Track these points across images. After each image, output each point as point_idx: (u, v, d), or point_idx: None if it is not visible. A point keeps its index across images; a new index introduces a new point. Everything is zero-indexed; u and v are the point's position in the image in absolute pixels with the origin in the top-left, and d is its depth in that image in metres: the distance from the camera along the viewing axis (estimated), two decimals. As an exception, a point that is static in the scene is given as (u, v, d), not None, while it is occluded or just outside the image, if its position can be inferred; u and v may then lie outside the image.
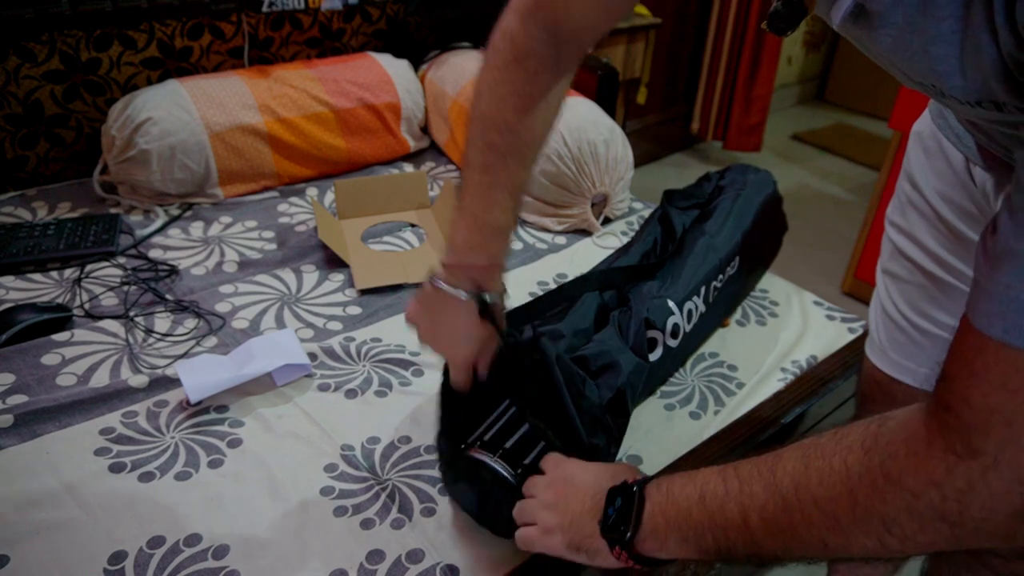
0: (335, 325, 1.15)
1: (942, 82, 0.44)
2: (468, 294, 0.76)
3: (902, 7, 0.43)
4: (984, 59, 0.40)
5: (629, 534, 0.60)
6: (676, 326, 1.00)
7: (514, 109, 0.72)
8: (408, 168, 1.69)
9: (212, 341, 1.10)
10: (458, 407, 0.83)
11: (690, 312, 1.03)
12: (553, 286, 1.26)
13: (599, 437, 0.82)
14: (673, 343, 1.00)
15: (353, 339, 1.11)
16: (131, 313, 1.14)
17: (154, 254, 1.30)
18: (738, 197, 1.18)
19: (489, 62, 0.73)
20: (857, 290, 2.06)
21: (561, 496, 0.68)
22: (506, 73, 0.72)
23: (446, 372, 0.84)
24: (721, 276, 1.09)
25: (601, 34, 0.74)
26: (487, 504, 0.77)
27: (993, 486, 0.43)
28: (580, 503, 0.67)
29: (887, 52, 0.47)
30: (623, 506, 0.62)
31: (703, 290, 1.06)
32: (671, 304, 1.00)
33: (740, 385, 1.07)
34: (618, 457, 0.93)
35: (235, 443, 0.92)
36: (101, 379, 1.00)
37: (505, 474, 0.76)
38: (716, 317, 1.14)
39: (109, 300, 1.17)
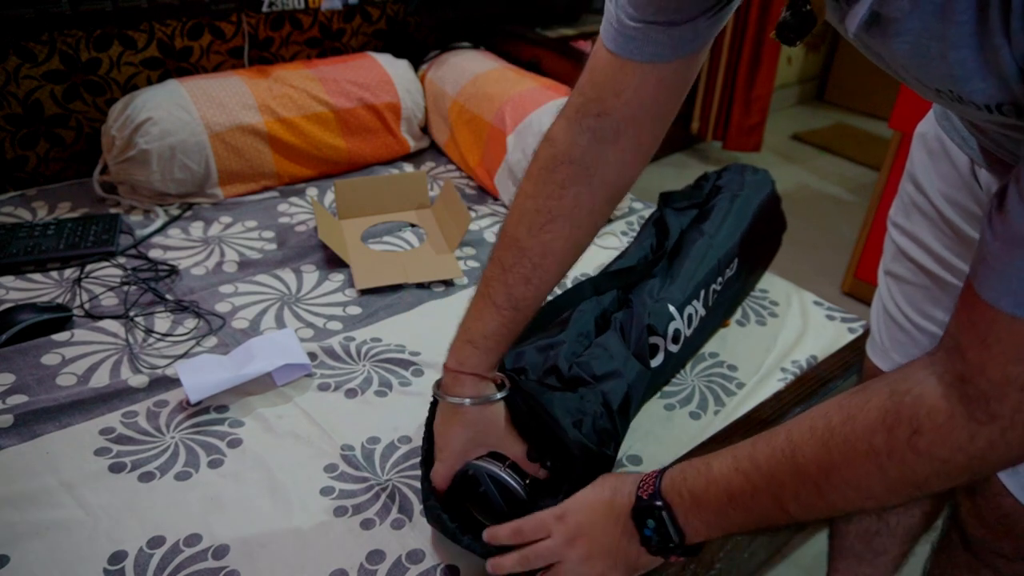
0: (335, 325, 1.15)
1: (960, 87, 0.44)
2: (437, 394, 0.77)
3: (919, 13, 0.43)
4: (1002, 61, 0.40)
5: (676, 543, 0.63)
6: (677, 331, 1.00)
7: (529, 226, 0.71)
8: (408, 168, 1.69)
9: (212, 341, 1.10)
10: None
11: (690, 316, 1.03)
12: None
13: (608, 447, 0.82)
14: (674, 348, 1.00)
15: (353, 339, 1.11)
16: (131, 313, 1.14)
17: (154, 254, 1.30)
18: (736, 197, 1.18)
19: (528, 171, 0.73)
20: (857, 290, 2.06)
21: (593, 543, 0.67)
22: (536, 185, 0.71)
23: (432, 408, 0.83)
24: (720, 279, 1.09)
25: (657, 123, 0.69)
26: (488, 516, 0.76)
27: (1012, 441, 0.47)
28: (611, 537, 0.66)
29: (903, 59, 0.47)
30: (658, 526, 0.63)
31: (703, 293, 1.05)
32: (672, 309, 1.00)
33: (740, 385, 1.07)
34: (617, 459, 0.93)
35: (235, 443, 0.92)
36: (101, 379, 1.00)
37: (516, 485, 0.75)
38: (716, 320, 1.13)
39: (109, 300, 1.17)
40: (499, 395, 0.77)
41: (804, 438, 0.55)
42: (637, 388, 0.91)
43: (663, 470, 0.64)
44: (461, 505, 0.78)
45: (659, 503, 0.62)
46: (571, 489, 0.73)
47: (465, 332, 0.76)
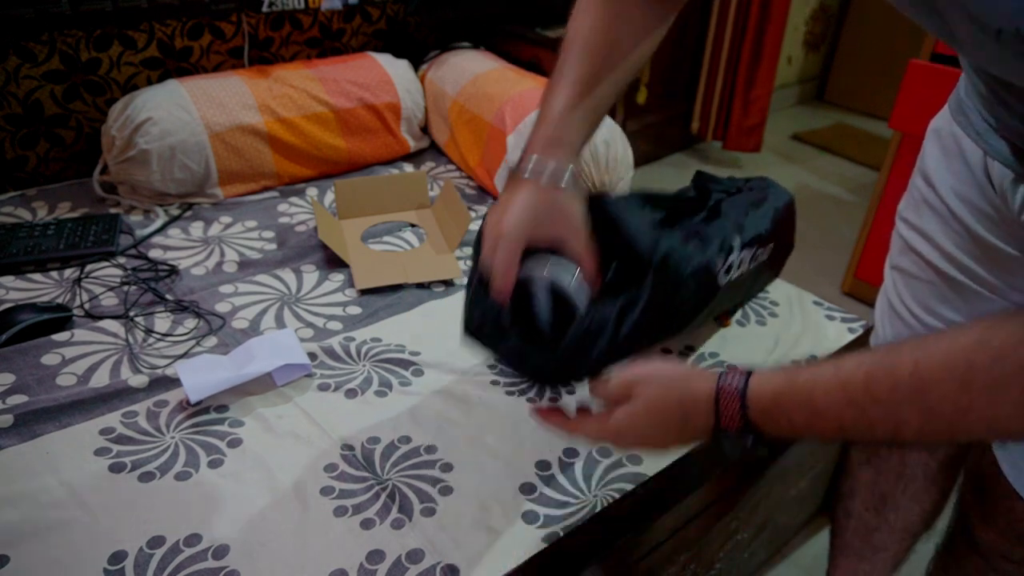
0: (335, 325, 1.15)
1: None
2: (512, 169, 0.76)
3: None
4: None
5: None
6: (731, 266, 0.99)
7: (592, 26, 0.75)
8: (408, 168, 1.69)
9: (212, 341, 1.10)
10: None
11: (742, 262, 1.03)
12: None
13: (677, 292, 0.82)
14: (723, 279, 0.99)
15: (353, 339, 1.11)
16: (131, 313, 1.14)
17: (154, 254, 1.30)
18: (765, 196, 1.18)
19: (575, 9, 0.77)
20: (857, 290, 2.06)
21: (660, 443, 0.67)
22: (591, 2, 0.76)
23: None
24: (761, 250, 1.09)
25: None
26: (527, 328, 0.72)
27: None
28: (683, 439, 0.66)
29: None
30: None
31: (754, 250, 1.05)
32: (737, 242, 1.00)
33: (740, 385, 1.06)
34: (619, 459, 0.92)
35: (235, 443, 0.92)
36: (101, 379, 1.00)
37: (577, 304, 0.70)
38: (742, 293, 1.14)
39: (109, 300, 1.17)
40: (572, 174, 0.74)
41: (938, 375, 0.52)
42: (702, 287, 0.89)
43: (743, 391, 0.61)
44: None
45: (751, 435, 0.61)
46: (632, 298, 0.71)
47: (543, 116, 0.76)
